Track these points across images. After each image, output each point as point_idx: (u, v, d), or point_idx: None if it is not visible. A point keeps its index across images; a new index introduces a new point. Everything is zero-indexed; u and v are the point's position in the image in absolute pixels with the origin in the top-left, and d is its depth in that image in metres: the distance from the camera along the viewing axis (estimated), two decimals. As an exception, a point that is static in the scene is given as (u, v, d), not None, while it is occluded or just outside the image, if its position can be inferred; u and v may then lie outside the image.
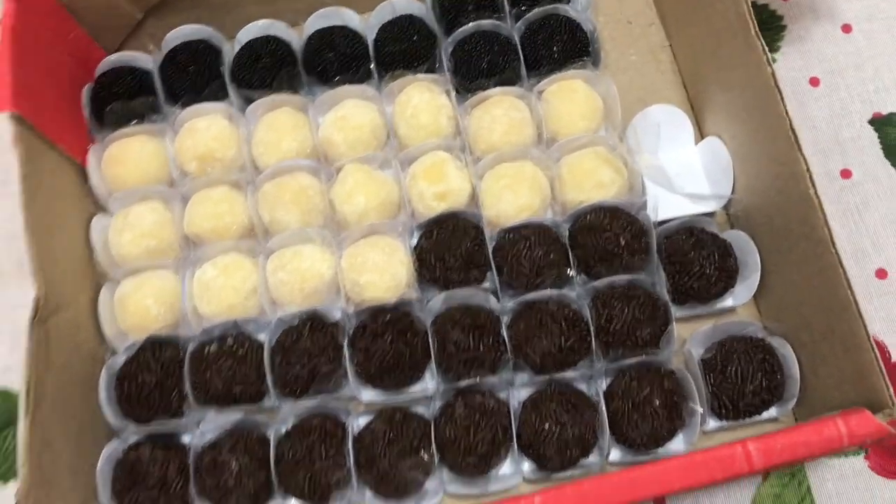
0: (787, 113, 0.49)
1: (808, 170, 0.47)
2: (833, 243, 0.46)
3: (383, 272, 0.54)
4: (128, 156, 0.58)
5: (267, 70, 0.59)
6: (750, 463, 0.42)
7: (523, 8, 0.60)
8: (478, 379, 0.52)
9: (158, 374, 0.53)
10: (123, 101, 0.59)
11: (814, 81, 0.61)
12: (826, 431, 0.43)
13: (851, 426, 0.43)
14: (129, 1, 0.60)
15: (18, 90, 0.52)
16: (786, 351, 0.51)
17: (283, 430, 0.52)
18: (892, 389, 0.43)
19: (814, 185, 0.47)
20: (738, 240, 0.54)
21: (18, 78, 0.52)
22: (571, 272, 0.54)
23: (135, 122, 0.59)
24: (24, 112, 0.52)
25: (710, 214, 0.57)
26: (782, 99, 0.49)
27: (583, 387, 0.53)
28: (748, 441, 0.43)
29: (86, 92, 0.60)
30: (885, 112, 0.60)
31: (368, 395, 0.54)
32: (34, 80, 0.54)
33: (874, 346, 0.44)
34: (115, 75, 0.60)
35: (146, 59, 0.61)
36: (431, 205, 0.56)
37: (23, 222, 0.51)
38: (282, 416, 0.53)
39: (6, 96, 0.51)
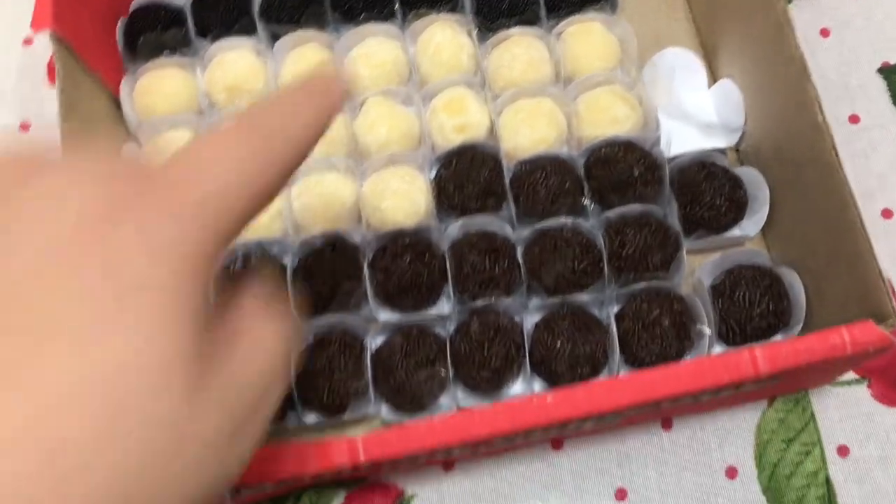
0: (797, 47, 0.51)
1: (816, 98, 0.49)
2: (839, 167, 0.48)
3: (403, 198, 0.56)
4: (158, 86, 0.60)
5: (294, 8, 0.61)
6: (755, 367, 0.44)
7: (543, -47, 0.62)
8: (493, 299, 0.53)
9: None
10: (156, 33, 0.61)
11: (824, 32, 0.63)
12: (830, 339, 0.44)
13: (855, 334, 0.44)
14: (164, -60, 0.62)
15: (59, 12, 0.54)
16: (792, 278, 0.52)
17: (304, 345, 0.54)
18: (895, 303, 0.45)
19: (822, 112, 0.49)
20: (748, 175, 0.56)
21: (60, 2, 0.54)
22: (586, 201, 0.55)
23: (165, 54, 0.61)
24: (63, 34, 0.54)
25: (722, 151, 0.58)
26: (794, 36, 0.51)
27: (595, 312, 0.54)
28: (755, 348, 0.44)
29: (120, 25, 0.62)
30: (893, 62, 0.62)
31: (386, 315, 0.56)
32: (74, 7, 0.56)
33: (878, 261, 0.45)
34: (148, 10, 0.62)
35: (178, -3, 0.64)
36: (451, 137, 0.58)
37: (60, 145, 0.53)
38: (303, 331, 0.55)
39: (48, 15, 0.53)
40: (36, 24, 0.53)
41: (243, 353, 0.30)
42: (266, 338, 0.32)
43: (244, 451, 0.29)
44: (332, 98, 0.33)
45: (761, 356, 0.44)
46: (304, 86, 0.33)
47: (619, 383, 0.45)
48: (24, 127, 0.65)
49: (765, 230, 0.56)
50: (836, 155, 0.48)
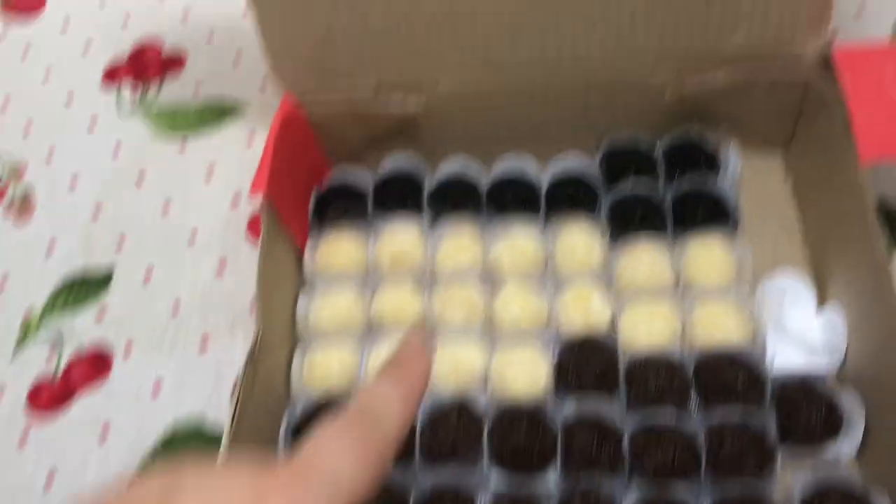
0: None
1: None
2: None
3: (527, 374, 0.64)
4: (336, 249, 0.73)
5: (457, 198, 0.73)
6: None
7: (676, 178, 0.71)
8: (597, 480, 0.59)
9: (329, 426, 0.64)
10: (343, 205, 0.74)
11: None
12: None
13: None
14: (357, 132, 0.76)
15: (272, 181, 0.67)
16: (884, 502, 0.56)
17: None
18: None
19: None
20: (846, 399, 0.61)
21: (273, 173, 0.68)
22: (691, 402, 0.61)
23: (347, 223, 0.74)
24: (272, 197, 0.67)
25: (823, 373, 0.63)
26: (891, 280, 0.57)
27: (688, 505, 0.59)
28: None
29: (314, 195, 0.76)
30: None
31: (497, 478, 0.62)
32: (282, 177, 0.70)
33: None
34: (338, 186, 0.76)
35: (363, 177, 0.77)
36: (575, 326, 0.66)
37: (257, 279, 0.64)
38: (420, 483, 0.62)
39: (263, 182, 0.67)
40: (254, 188, 0.67)
41: None
42: None
43: None
44: (421, 381, 0.41)
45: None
46: (399, 370, 0.41)
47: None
48: (220, 271, 0.79)
49: (859, 452, 0.60)
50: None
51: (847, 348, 0.63)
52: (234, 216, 0.82)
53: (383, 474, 0.37)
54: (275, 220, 0.69)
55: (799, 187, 0.74)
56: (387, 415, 0.38)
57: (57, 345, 0.77)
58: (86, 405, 0.74)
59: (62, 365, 0.76)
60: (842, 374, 0.64)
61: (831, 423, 0.59)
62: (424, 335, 0.44)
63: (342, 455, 0.36)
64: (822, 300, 0.68)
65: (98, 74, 0.94)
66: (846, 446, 0.60)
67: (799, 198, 0.73)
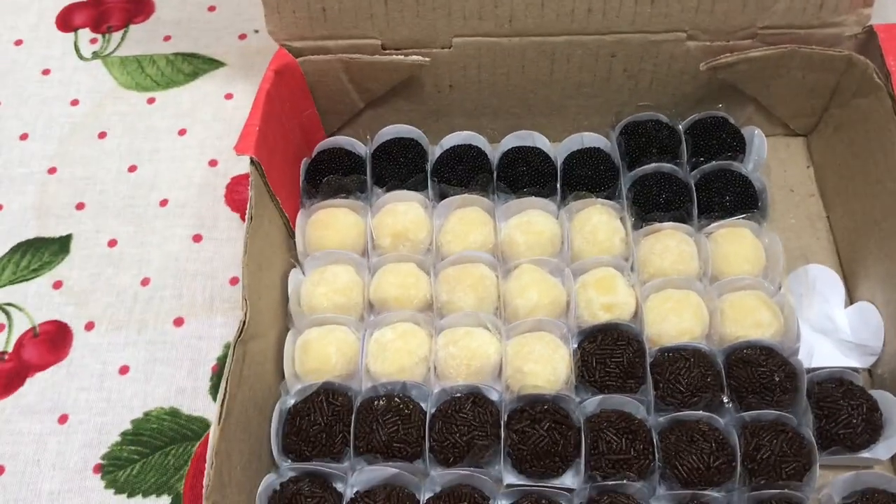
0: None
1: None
2: None
3: (546, 364, 0.59)
4: (331, 222, 0.66)
5: (465, 172, 0.67)
6: None
7: (701, 159, 0.67)
8: (624, 481, 0.55)
9: (328, 417, 0.57)
10: (337, 176, 0.67)
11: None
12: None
13: None
14: (357, 90, 0.69)
15: (260, 142, 0.60)
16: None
17: (431, 494, 0.56)
18: None
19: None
20: (884, 399, 0.57)
21: (263, 133, 0.60)
22: (725, 399, 0.57)
23: (342, 195, 0.67)
24: (261, 161, 0.60)
25: (856, 370, 0.60)
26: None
27: (721, 511, 0.55)
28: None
29: (305, 163, 0.69)
30: None
31: (512, 477, 0.57)
32: (272, 140, 0.62)
33: None
34: (332, 153, 0.69)
35: (360, 146, 0.70)
36: (597, 313, 0.61)
37: (242, 256, 0.57)
38: (431, 479, 0.56)
39: (252, 143, 0.59)
40: (240, 148, 0.59)
41: None
42: None
43: None
44: None
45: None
46: None
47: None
48: (197, 238, 0.71)
49: (894, 456, 0.57)
50: None
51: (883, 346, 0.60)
52: (210, 178, 0.74)
53: None
54: (262, 186, 0.61)
55: (824, 176, 0.70)
56: None
57: (6, 320, 0.68)
58: (40, 389, 0.65)
59: (12, 343, 0.67)
60: (877, 373, 0.61)
61: (872, 426, 0.56)
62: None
63: None
64: (851, 295, 0.65)
65: (53, 11, 0.83)
66: (883, 450, 0.57)
67: (824, 188, 0.70)
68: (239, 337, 0.54)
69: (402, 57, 0.65)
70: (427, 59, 0.65)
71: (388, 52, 0.66)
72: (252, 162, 0.59)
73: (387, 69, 0.66)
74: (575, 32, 0.64)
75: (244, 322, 0.55)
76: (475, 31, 0.64)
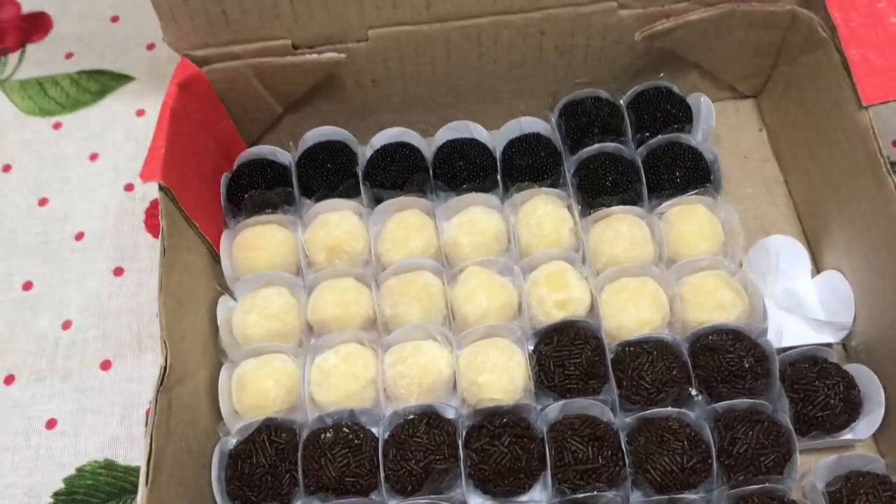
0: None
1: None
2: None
3: (501, 373, 0.55)
4: (259, 242, 0.61)
5: (399, 173, 0.62)
6: None
7: (647, 134, 0.63)
8: (594, 492, 0.51)
9: (272, 458, 0.53)
10: (260, 190, 0.62)
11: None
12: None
13: None
14: (272, 95, 0.64)
15: (169, 165, 0.54)
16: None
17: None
18: None
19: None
20: (860, 373, 0.54)
21: (170, 154, 0.55)
22: (693, 391, 0.54)
23: (268, 211, 0.62)
24: (171, 186, 0.54)
25: (829, 345, 0.57)
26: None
27: (700, 512, 0.52)
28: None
29: (224, 179, 0.64)
30: None
31: (477, 499, 0.53)
32: (182, 160, 0.57)
33: None
34: (254, 166, 0.64)
35: (283, 154, 0.65)
36: (551, 312, 0.57)
37: (158, 293, 0.52)
38: (390, 508, 0.52)
39: (158, 168, 0.54)
40: (145, 174, 0.54)
41: None
42: None
43: None
44: None
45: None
46: None
47: None
48: (118, 272, 0.66)
49: (875, 433, 0.54)
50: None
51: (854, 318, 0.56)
52: (127, 204, 0.69)
53: None
54: (176, 212, 0.56)
55: (778, 139, 0.66)
56: None
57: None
58: (-41, 455, 0.60)
59: (-78, 407, 0.61)
60: (850, 346, 0.57)
61: (851, 405, 0.53)
62: None
63: None
64: (817, 264, 0.61)
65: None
66: (863, 429, 0.54)
67: (779, 151, 0.66)
68: (161, 385, 0.49)
69: (316, 55, 0.60)
70: (343, 54, 0.60)
71: (300, 51, 0.61)
72: (161, 188, 0.54)
73: (301, 70, 0.61)
74: (499, 12, 0.59)
75: (164, 368, 0.50)
76: (391, 21, 0.59)
